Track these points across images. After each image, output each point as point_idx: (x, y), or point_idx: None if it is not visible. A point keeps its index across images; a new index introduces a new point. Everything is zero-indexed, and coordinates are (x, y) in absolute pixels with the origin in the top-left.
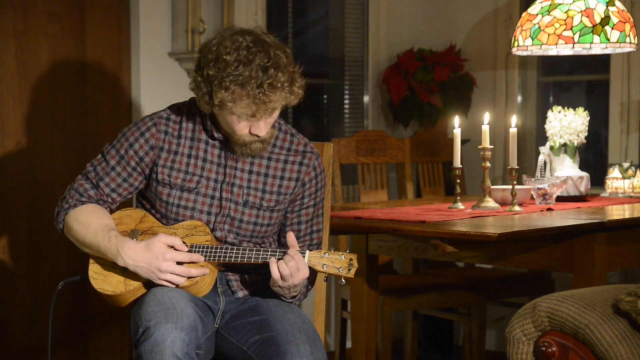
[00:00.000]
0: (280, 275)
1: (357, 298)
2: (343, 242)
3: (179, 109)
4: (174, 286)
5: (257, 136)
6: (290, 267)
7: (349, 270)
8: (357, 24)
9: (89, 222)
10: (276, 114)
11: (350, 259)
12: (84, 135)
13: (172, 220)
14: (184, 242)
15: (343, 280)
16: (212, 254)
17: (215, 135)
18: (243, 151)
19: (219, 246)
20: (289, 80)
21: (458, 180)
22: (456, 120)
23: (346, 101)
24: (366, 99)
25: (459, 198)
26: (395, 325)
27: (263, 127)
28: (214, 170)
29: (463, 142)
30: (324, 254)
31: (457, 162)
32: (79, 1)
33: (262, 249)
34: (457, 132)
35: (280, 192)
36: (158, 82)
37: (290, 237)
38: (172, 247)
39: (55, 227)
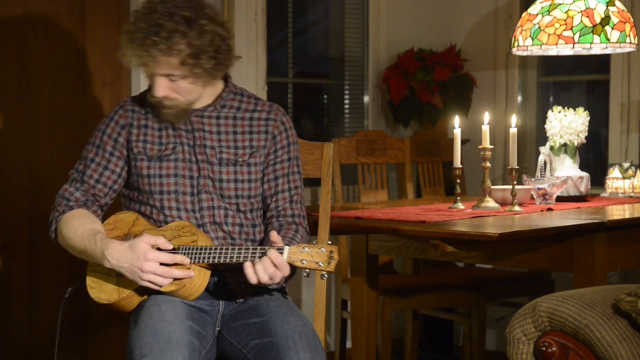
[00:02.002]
0: (258, 280)
1: (357, 298)
2: (343, 242)
3: (146, 90)
4: (158, 287)
5: (156, 97)
6: (270, 273)
7: (329, 263)
8: (357, 24)
9: (77, 227)
10: (177, 73)
11: (331, 252)
12: (84, 135)
13: (158, 194)
14: (171, 243)
15: (325, 274)
16: (197, 255)
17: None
18: (159, 115)
19: (205, 247)
20: (181, 32)
21: (458, 180)
22: (456, 120)
23: (346, 101)
24: (366, 99)
25: (459, 198)
26: (395, 325)
27: (157, 85)
28: (184, 135)
29: (463, 142)
30: (304, 248)
31: (457, 162)
32: (79, 1)
33: (249, 248)
34: (457, 132)
35: (253, 146)
36: None
37: (274, 235)
38: (157, 248)
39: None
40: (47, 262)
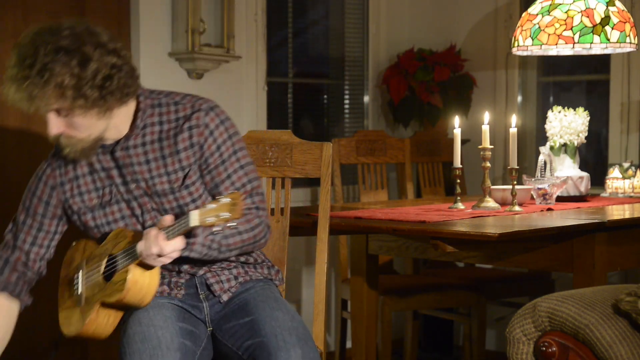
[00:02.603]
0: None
1: (357, 298)
2: (343, 242)
3: None
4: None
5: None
6: (141, 246)
7: (234, 210)
8: (357, 24)
9: None
10: (63, 107)
11: (233, 199)
12: None
13: None
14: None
15: (234, 222)
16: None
17: None
18: (71, 155)
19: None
20: (57, 62)
21: (458, 180)
22: (456, 120)
23: (346, 101)
24: (366, 99)
25: (459, 198)
26: (395, 325)
27: (49, 123)
28: (115, 175)
29: (463, 142)
30: (207, 206)
31: (457, 162)
32: (79, 1)
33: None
34: (457, 132)
35: (183, 167)
36: (158, 82)
37: (162, 220)
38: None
39: None
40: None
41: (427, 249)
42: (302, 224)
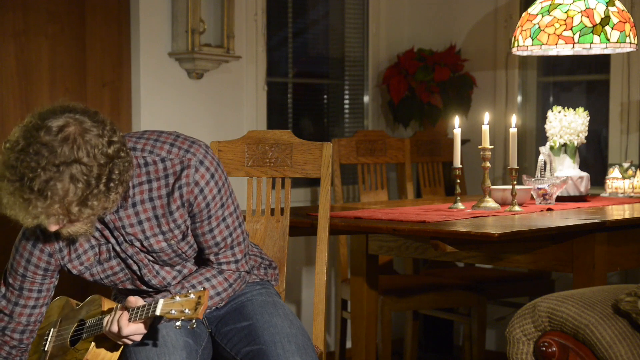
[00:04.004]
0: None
1: (357, 298)
2: (343, 242)
3: None
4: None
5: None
6: (105, 321)
7: (196, 310)
8: (357, 24)
9: None
10: (53, 220)
11: (199, 297)
12: None
13: (112, 285)
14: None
15: (193, 322)
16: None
17: None
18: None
19: (99, 317)
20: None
21: (458, 181)
22: (456, 121)
23: (346, 101)
24: (366, 99)
25: (459, 198)
26: (395, 325)
27: (48, 227)
28: (110, 235)
29: (463, 142)
30: (175, 298)
31: (457, 162)
32: (79, 1)
33: (138, 308)
34: (457, 132)
35: (178, 225)
36: (158, 82)
37: (128, 300)
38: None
39: None
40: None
41: (427, 249)
42: (302, 224)
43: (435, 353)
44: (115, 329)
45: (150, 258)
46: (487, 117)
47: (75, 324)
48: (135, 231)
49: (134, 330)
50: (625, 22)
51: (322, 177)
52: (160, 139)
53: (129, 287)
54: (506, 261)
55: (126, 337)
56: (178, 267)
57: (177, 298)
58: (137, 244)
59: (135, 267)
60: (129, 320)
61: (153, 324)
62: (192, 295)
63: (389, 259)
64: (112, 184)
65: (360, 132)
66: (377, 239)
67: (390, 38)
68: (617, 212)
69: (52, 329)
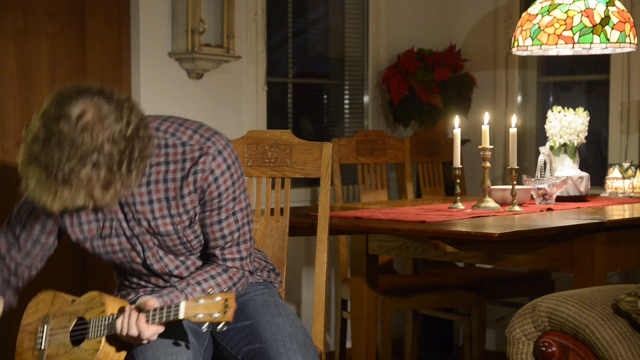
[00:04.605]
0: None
1: (357, 298)
2: (343, 242)
3: None
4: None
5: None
6: (132, 333)
7: (225, 313)
8: (357, 24)
9: None
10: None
11: (226, 300)
12: None
13: (115, 265)
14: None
15: (222, 326)
16: (104, 327)
17: None
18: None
19: (111, 316)
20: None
21: (458, 181)
22: (456, 120)
23: (346, 101)
24: (366, 99)
25: (459, 198)
26: (395, 325)
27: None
28: (118, 211)
29: (463, 142)
30: (199, 301)
31: (457, 162)
32: (79, 1)
33: (155, 310)
34: (457, 132)
35: (187, 210)
36: (158, 82)
37: (145, 302)
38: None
39: None
40: (48, 262)
41: (427, 249)
42: (302, 224)
43: (435, 353)
44: (135, 332)
45: (156, 242)
46: (487, 117)
47: (74, 322)
48: (144, 210)
49: (154, 332)
50: (625, 22)
51: (322, 177)
52: (185, 124)
53: (128, 267)
54: (506, 261)
55: (146, 338)
56: (182, 258)
57: (201, 301)
58: (145, 223)
59: (139, 248)
60: (147, 322)
61: (170, 323)
62: (217, 298)
63: (389, 259)
64: (132, 165)
65: (360, 132)
66: (377, 239)
67: (390, 38)
68: (617, 212)
69: (44, 326)
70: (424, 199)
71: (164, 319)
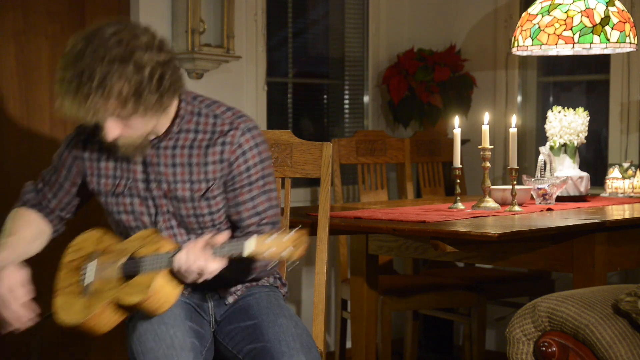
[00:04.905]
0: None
1: (357, 298)
2: (343, 242)
3: None
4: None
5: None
6: (182, 258)
7: (297, 250)
8: (357, 24)
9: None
10: (123, 114)
11: (298, 237)
12: None
13: (122, 228)
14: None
15: (294, 261)
16: (142, 265)
17: None
18: (116, 150)
19: (169, 252)
20: (115, 73)
21: (458, 181)
22: (456, 120)
23: (346, 101)
24: (366, 99)
25: (459, 198)
26: (395, 325)
27: (107, 129)
28: (139, 170)
29: (463, 142)
30: (270, 236)
31: (457, 162)
32: (79, 1)
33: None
34: (457, 132)
35: (208, 179)
36: None
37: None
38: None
39: None
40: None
41: (427, 249)
42: (302, 224)
43: (435, 353)
44: (200, 263)
45: (170, 208)
46: (487, 117)
47: (125, 258)
48: (167, 172)
49: (217, 267)
50: (625, 22)
51: (322, 177)
52: (220, 102)
53: (132, 233)
54: (506, 261)
55: (208, 273)
56: (192, 236)
57: (273, 236)
58: (164, 186)
59: (152, 211)
60: (214, 254)
61: (233, 260)
62: (288, 235)
63: (389, 259)
64: (162, 88)
65: (360, 132)
66: (377, 239)
67: (390, 38)
68: (617, 212)
69: (91, 262)
70: (424, 199)
71: (231, 253)
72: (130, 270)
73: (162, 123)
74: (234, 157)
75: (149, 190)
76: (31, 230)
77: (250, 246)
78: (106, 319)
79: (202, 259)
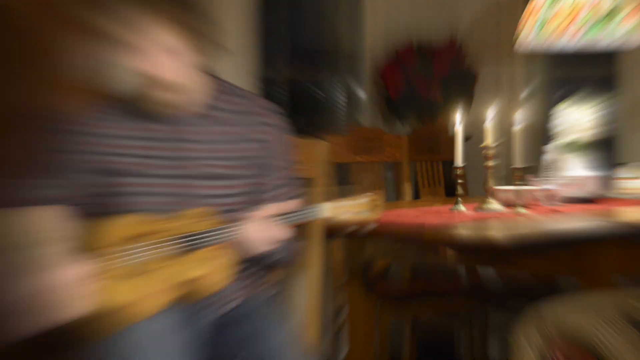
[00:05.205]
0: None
1: (354, 304)
2: (339, 245)
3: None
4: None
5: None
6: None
7: (374, 211)
8: (353, 17)
9: None
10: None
11: (375, 199)
12: None
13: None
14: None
15: (372, 224)
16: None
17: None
18: (143, 109)
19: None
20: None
21: (459, 180)
22: (457, 117)
23: (341, 97)
24: (362, 94)
25: (460, 199)
26: (393, 333)
27: (157, 64)
28: (166, 147)
29: (465, 139)
30: (343, 200)
31: (459, 161)
32: None
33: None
34: (459, 129)
35: (239, 157)
36: None
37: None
38: None
39: None
40: None
41: (427, 253)
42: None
43: None
44: (270, 233)
45: (201, 190)
46: (490, 113)
47: (179, 236)
48: (201, 147)
49: (285, 235)
50: (634, 15)
51: (316, 177)
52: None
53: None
54: (510, 265)
55: (276, 240)
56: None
57: (346, 201)
58: (197, 162)
59: (182, 190)
60: (280, 223)
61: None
62: (364, 198)
63: (386, 264)
64: (199, 28)
65: (356, 129)
66: (374, 242)
67: (388, 30)
68: (627, 214)
69: (135, 244)
70: (423, 200)
71: (303, 217)
72: (187, 247)
73: (195, 101)
74: (272, 137)
75: (179, 168)
76: None
77: (327, 208)
78: (157, 300)
79: (269, 229)
